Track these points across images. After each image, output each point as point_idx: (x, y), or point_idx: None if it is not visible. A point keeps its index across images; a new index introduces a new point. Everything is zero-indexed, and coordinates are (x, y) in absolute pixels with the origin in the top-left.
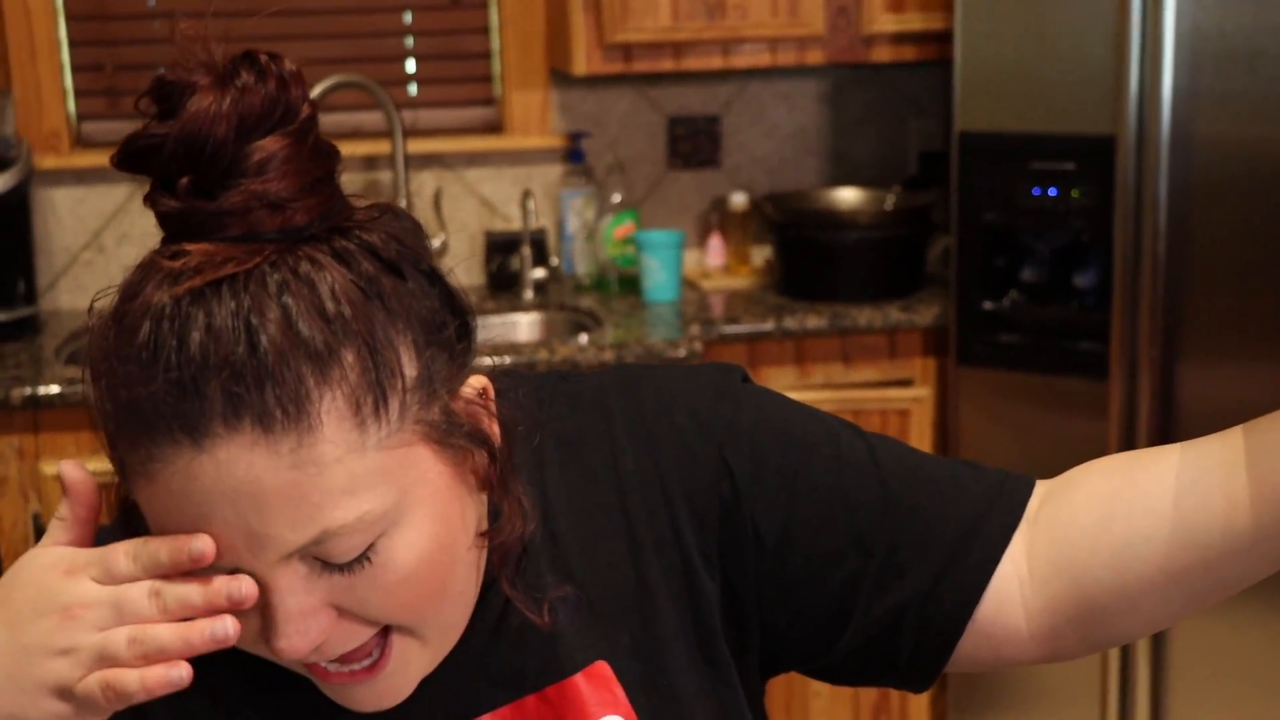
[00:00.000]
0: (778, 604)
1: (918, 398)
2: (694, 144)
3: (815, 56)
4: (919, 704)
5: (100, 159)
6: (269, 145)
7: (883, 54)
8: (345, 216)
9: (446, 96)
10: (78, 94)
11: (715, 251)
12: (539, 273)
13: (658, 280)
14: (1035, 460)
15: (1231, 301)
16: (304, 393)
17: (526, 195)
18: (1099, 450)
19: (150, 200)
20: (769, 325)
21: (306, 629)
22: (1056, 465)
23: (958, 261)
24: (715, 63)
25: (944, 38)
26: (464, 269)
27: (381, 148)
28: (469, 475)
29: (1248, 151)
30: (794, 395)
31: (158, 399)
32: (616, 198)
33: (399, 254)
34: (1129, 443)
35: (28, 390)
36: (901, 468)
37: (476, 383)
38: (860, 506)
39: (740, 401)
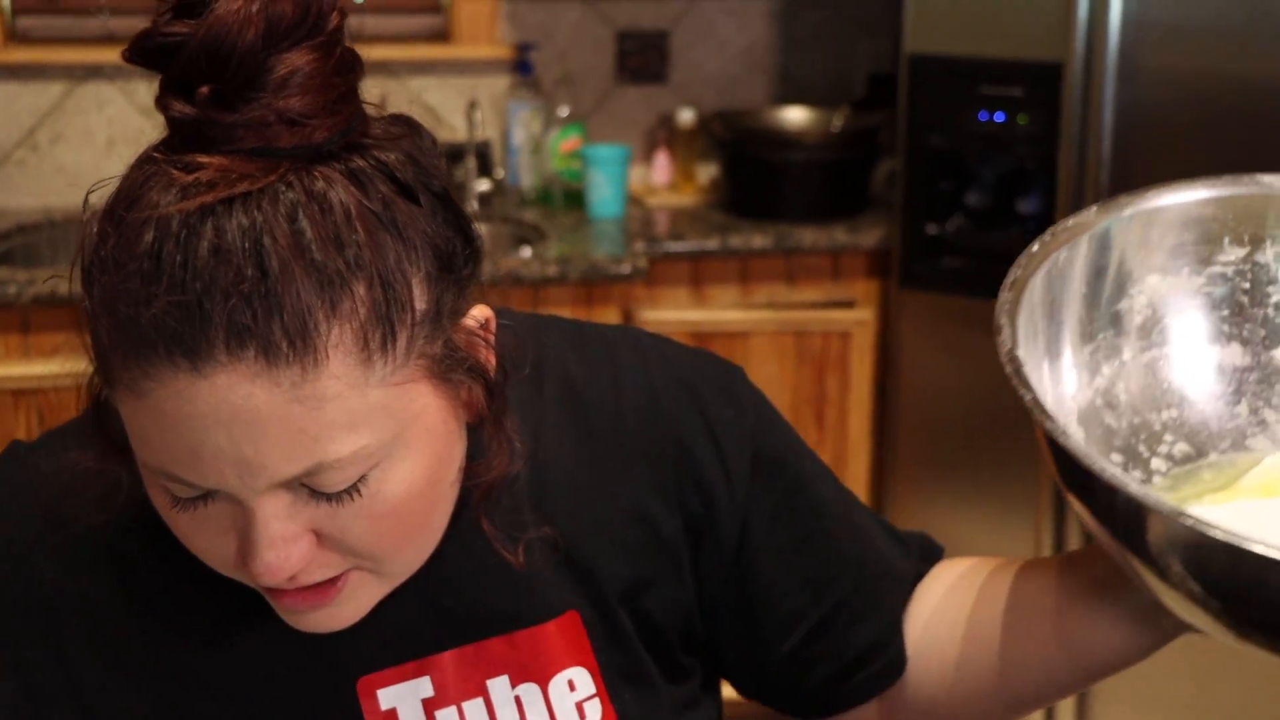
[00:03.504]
0: (728, 610)
1: (860, 320)
2: (643, 59)
3: None
4: None
5: (36, 55)
6: (295, 59)
7: None
8: (362, 132)
9: (393, 2)
10: None
11: (661, 168)
12: (483, 185)
13: (603, 195)
14: (974, 384)
15: None
16: (312, 325)
17: (472, 106)
18: None
19: (162, 103)
20: (714, 243)
21: (288, 554)
22: (995, 388)
23: (903, 184)
24: None
25: None
26: None
27: None
28: (461, 409)
29: (1193, 82)
30: (737, 314)
31: (159, 319)
32: (564, 111)
33: (414, 176)
34: None
35: None
36: (866, 531)
37: (479, 314)
38: (829, 555)
39: (745, 408)
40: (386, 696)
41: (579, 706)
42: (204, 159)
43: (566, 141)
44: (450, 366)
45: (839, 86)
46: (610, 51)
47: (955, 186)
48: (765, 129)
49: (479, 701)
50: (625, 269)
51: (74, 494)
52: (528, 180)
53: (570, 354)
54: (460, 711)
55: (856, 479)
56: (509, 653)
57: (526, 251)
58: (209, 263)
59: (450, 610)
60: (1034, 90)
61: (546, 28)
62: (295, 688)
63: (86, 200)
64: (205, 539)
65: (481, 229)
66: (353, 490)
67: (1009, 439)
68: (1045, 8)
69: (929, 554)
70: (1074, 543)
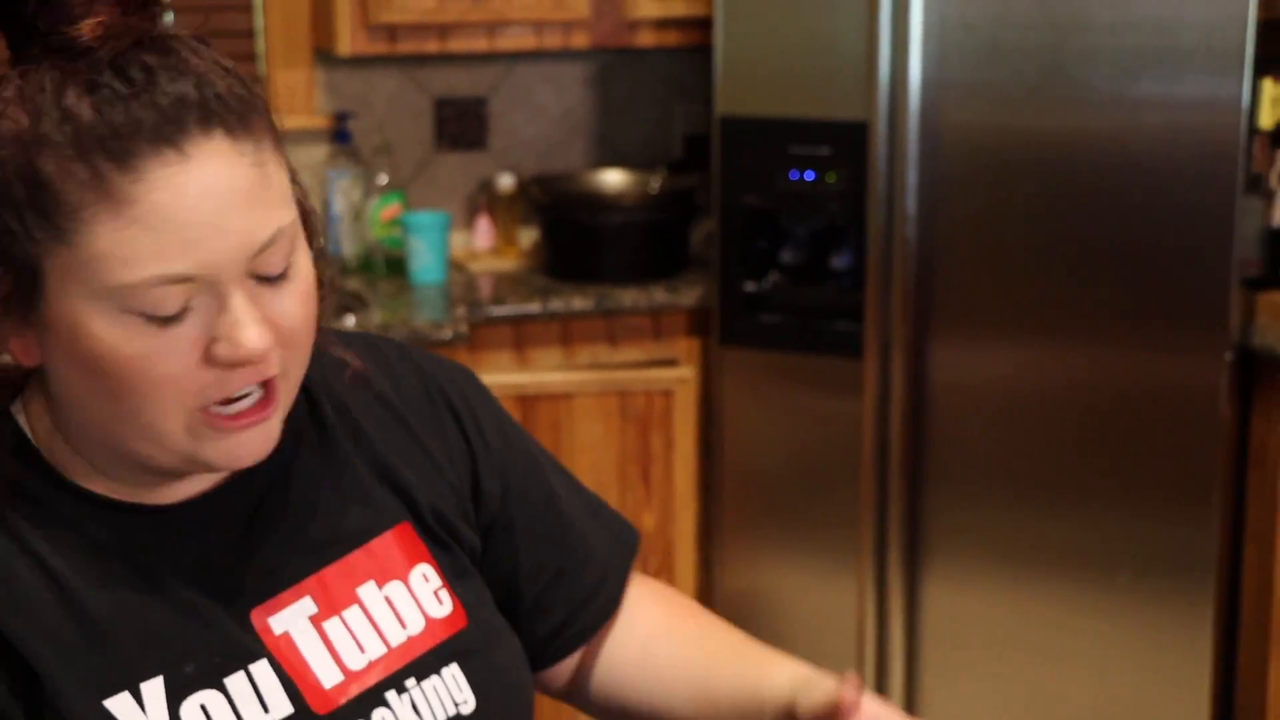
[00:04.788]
0: (494, 555)
1: (682, 378)
2: (461, 126)
3: (580, 40)
4: None
5: None
6: None
7: (647, 38)
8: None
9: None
10: None
11: (483, 233)
12: None
13: (424, 262)
14: (796, 437)
15: (978, 283)
16: (248, 111)
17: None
18: (855, 426)
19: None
20: (535, 307)
21: (263, 332)
22: (815, 440)
23: (719, 243)
24: (480, 45)
25: (707, 23)
26: None
27: None
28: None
29: (992, 139)
30: (560, 376)
31: (137, 124)
32: (383, 179)
33: (260, 91)
34: (883, 419)
35: None
36: (590, 504)
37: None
38: (567, 519)
39: (491, 398)
40: (278, 622)
41: (436, 594)
42: (83, 23)
43: (387, 209)
44: (304, 215)
45: (656, 149)
46: (428, 119)
47: (770, 244)
48: (584, 192)
49: (356, 608)
50: (447, 334)
51: None
52: (349, 249)
53: (349, 351)
54: (343, 620)
55: (683, 535)
56: (368, 561)
57: (350, 320)
58: (168, 79)
59: (310, 537)
60: (842, 149)
61: (364, 97)
62: (202, 632)
63: None
64: (174, 360)
65: None
66: (285, 274)
67: (831, 491)
68: (848, 69)
69: (628, 532)
70: (895, 590)
